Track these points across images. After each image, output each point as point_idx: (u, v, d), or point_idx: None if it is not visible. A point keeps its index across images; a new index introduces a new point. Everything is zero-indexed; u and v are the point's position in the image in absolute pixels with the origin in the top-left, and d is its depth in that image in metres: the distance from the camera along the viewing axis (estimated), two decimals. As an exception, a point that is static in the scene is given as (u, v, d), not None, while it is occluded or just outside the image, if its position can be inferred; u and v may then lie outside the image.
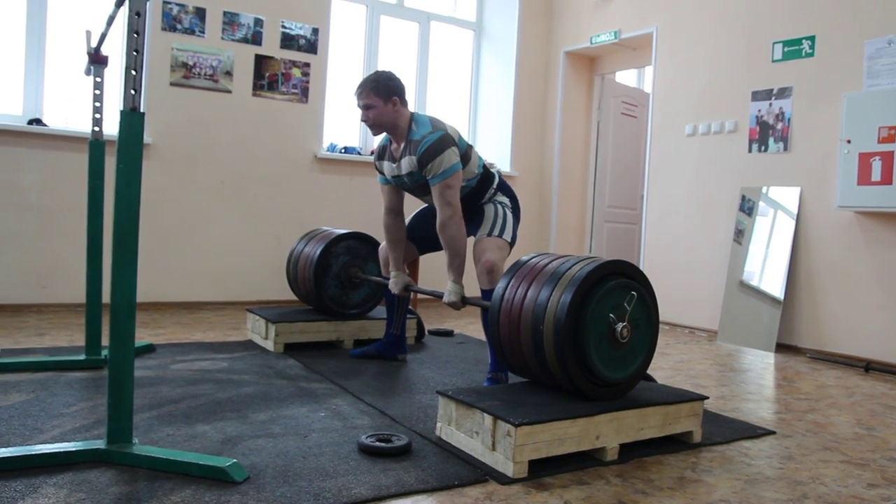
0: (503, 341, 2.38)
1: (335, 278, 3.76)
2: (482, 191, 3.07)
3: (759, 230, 4.62)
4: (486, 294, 2.84)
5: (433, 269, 5.36)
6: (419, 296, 5.23)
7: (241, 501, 1.70)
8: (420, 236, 3.28)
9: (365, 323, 3.81)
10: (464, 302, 2.90)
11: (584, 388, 2.18)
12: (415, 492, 1.83)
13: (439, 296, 2.98)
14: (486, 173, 3.09)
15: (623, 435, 2.18)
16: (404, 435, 2.21)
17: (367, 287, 3.86)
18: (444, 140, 2.84)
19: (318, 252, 3.70)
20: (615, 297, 2.21)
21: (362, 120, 2.95)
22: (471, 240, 3.04)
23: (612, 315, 2.19)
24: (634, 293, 2.23)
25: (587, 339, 2.14)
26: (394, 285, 3.22)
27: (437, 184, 2.84)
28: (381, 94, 2.87)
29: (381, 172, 3.14)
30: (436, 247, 3.27)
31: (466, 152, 2.98)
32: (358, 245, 3.82)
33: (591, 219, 6.39)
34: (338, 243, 3.75)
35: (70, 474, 1.80)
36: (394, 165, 3.03)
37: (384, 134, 3.05)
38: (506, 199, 3.12)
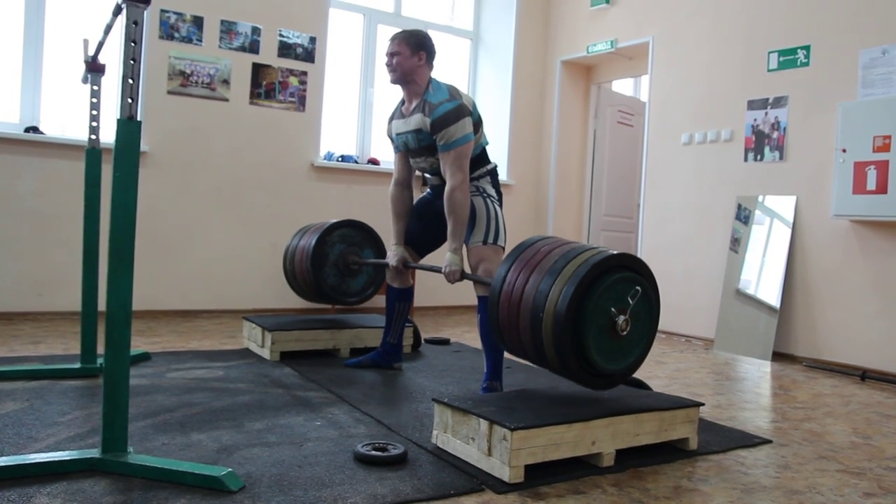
0: (501, 324, 2.37)
1: (333, 267, 3.76)
2: (475, 166, 3.10)
3: (756, 239, 4.63)
4: (483, 301, 2.84)
5: (430, 276, 5.36)
6: (416, 305, 5.22)
7: (236, 511, 1.70)
8: (420, 242, 3.30)
9: (361, 331, 3.80)
10: (462, 276, 2.93)
11: (580, 378, 2.18)
12: (410, 501, 1.82)
13: (437, 270, 3.02)
14: (484, 154, 3.16)
15: (619, 440, 2.18)
16: (400, 444, 2.21)
17: (366, 273, 3.86)
18: (461, 110, 2.93)
19: (313, 242, 3.69)
20: (618, 291, 2.19)
21: (386, 65, 3.08)
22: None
23: (613, 308, 2.18)
24: (639, 288, 2.22)
25: (586, 332, 2.13)
26: (392, 257, 3.26)
27: (451, 151, 2.93)
28: (410, 44, 3.03)
29: (391, 137, 3.24)
30: (433, 247, 3.30)
31: (478, 124, 3.07)
32: (353, 232, 3.82)
33: (588, 227, 6.40)
34: (332, 232, 3.75)
35: (64, 483, 1.80)
36: (401, 122, 3.13)
37: (399, 98, 3.17)
38: (493, 192, 3.14)
